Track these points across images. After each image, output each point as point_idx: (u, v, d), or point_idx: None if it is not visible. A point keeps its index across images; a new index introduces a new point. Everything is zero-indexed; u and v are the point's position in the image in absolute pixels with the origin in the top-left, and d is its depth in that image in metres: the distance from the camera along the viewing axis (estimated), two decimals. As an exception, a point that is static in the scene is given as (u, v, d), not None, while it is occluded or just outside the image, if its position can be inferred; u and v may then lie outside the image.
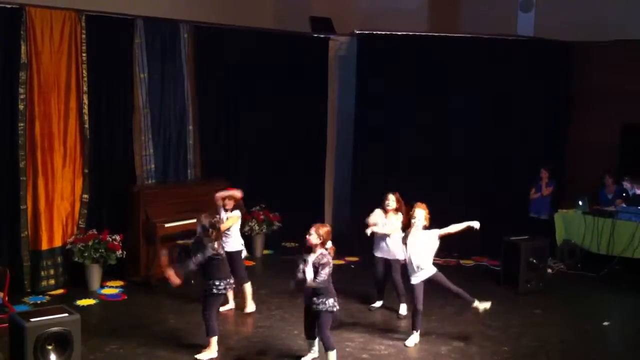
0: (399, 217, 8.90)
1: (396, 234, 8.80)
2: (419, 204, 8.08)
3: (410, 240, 7.97)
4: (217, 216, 7.92)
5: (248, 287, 8.91)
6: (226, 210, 8.62)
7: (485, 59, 12.07)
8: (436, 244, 7.97)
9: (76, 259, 9.41)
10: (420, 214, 7.95)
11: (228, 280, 7.49)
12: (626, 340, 8.64)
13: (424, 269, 7.92)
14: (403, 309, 9.00)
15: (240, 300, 8.90)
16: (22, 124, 9.08)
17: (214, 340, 7.48)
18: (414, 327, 8.05)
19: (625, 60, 11.99)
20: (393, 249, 8.90)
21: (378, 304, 9.30)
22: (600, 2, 12.41)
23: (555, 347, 8.10)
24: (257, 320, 8.67)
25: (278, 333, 8.29)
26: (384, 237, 8.93)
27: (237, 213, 8.66)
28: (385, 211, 9.00)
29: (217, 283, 7.36)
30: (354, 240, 11.47)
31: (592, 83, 12.33)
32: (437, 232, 7.94)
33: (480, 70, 12.04)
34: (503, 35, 12.33)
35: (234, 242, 8.68)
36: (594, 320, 9.01)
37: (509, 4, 13.25)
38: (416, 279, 7.94)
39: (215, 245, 7.35)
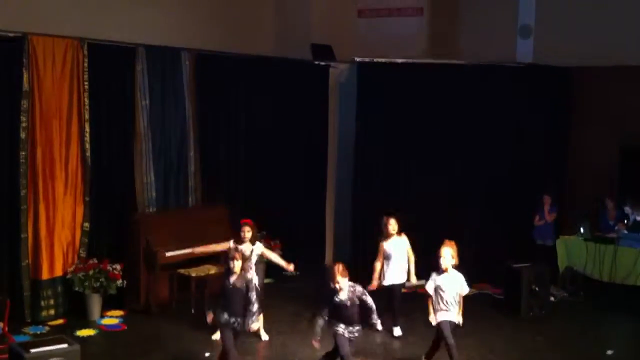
0: (403, 238, 9.20)
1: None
2: (447, 242, 7.90)
3: (444, 281, 7.78)
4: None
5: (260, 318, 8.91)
6: (242, 242, 8.61)
7: (485, 85, 12.10)
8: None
9: (76, 289, 9.35)
10: (448, 252, 7.76)
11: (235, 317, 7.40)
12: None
13: (452, 310, 7.80)
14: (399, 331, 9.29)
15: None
16: (23, 152, 9.07)
17: None
18: None
19: (623, 85, 12.02)
20: (402, 272, 9.16)
21: (399, 331, 9.31)
22: (599, 28, 12.46)
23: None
24: (259, 348, 8.62)
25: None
26: (399, 263, 9.14)
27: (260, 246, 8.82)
28: (388, 236, 9.08)
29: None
30: (354, 268, 11.46)
31: (591, 108, 12.36)
32: (465, 288, 7.90)
33: (480, 96, 12.07)
34: (502, 61, 12.38)
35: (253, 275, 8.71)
36: (596, 347, 8.97)
37: (507, 30, 13.30)
38: (444, 317, 7.79)
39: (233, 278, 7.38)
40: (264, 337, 8.96)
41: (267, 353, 8.47)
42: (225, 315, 7.32)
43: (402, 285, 9.38)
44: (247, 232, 8.62)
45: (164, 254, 9.79)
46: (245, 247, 8.58)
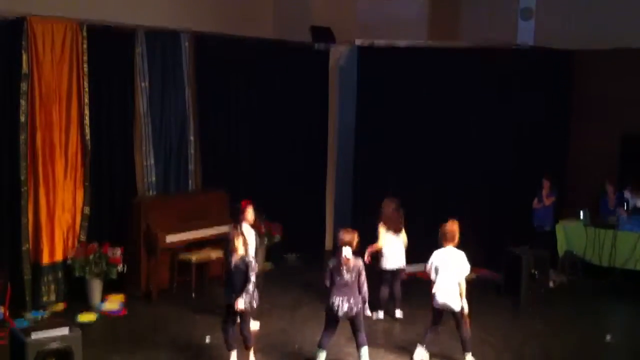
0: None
1: None
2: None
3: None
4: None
5: None
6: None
7: (486, 68, 12.04)
8: None
9: (77, 274, 9.34)
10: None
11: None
12: (628, 353, 8.62)
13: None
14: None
15: None
16: (23, 135, 9.01)
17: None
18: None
19: (625, 68, 11.98)
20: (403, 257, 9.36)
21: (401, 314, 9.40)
22: (600, 11, 12.41)
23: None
24: (259, 333, 8.62)
25: (280, 346, 8.27)
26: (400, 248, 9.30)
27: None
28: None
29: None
30: (355, 252, 11.47)
31: (592, 91, 12.32)
32: None
33: (481, 79, 12.02)
34: (503, 44, 12.32)
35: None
36: (595, 332, 9.00)
37: (508, 12, 13.22)
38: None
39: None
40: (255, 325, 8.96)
41: (268, 339, 8.47)
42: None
43: (403, 270, 9.45)
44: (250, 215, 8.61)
45: (164, 238, 9.77)
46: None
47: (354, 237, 7.46)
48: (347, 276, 7.35)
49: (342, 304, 7.34)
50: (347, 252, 7.35)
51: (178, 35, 10.64)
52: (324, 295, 7.54)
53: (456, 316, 7.76)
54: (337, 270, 7.37)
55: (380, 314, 9.29)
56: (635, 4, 12.09)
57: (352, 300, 7.36)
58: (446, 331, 8.23)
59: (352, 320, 7.46)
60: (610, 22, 12.18)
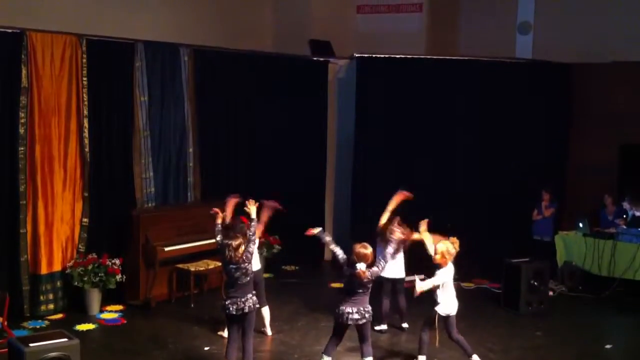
0: None
1: None
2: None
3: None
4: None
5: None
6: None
7: (484, 81, 12.11)
8: None
9: (76, 283, 9.37)
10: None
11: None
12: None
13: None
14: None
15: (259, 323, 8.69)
16: (22, 148, 9.08)
17: None
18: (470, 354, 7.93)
19: (623, 81, 12.05)
20: (402, 268, 9.30)
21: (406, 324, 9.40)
22: (598, 24, 12.50)
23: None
24: (257, 345, 8.54)
25: (279, 357, 8.24)
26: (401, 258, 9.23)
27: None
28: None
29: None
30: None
31: (591, 104, 12.38)
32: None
33: (479, 92, 12.09)
34: (501, 57, 12.38)
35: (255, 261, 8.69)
36: (595, 342, 8.97)
37: (507, 26, 13.34)
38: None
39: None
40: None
41: (266, 350, 8.46)
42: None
43: (403, 279, 9.42)
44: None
45: (163, 249, 9.80)
46: None
47: (370, 253, 7.41)
48: (360, 289, 7.34)
49: (352, 312, 7.31)
50: (361, 266, 7.31)
51: (177, 49, 10.73)
52: (324, 307, 7.48)
53: (450, 320, 7.77)
54: (351, 281, 7.35)
55: (384, 327, 9.22)
56: (633, 18, 12.18)
57: (362, 309, 7.32)
58: (442, 339, 8.20)
59: (360, 329, 7.41)
60: (608, 35, 12.28)
